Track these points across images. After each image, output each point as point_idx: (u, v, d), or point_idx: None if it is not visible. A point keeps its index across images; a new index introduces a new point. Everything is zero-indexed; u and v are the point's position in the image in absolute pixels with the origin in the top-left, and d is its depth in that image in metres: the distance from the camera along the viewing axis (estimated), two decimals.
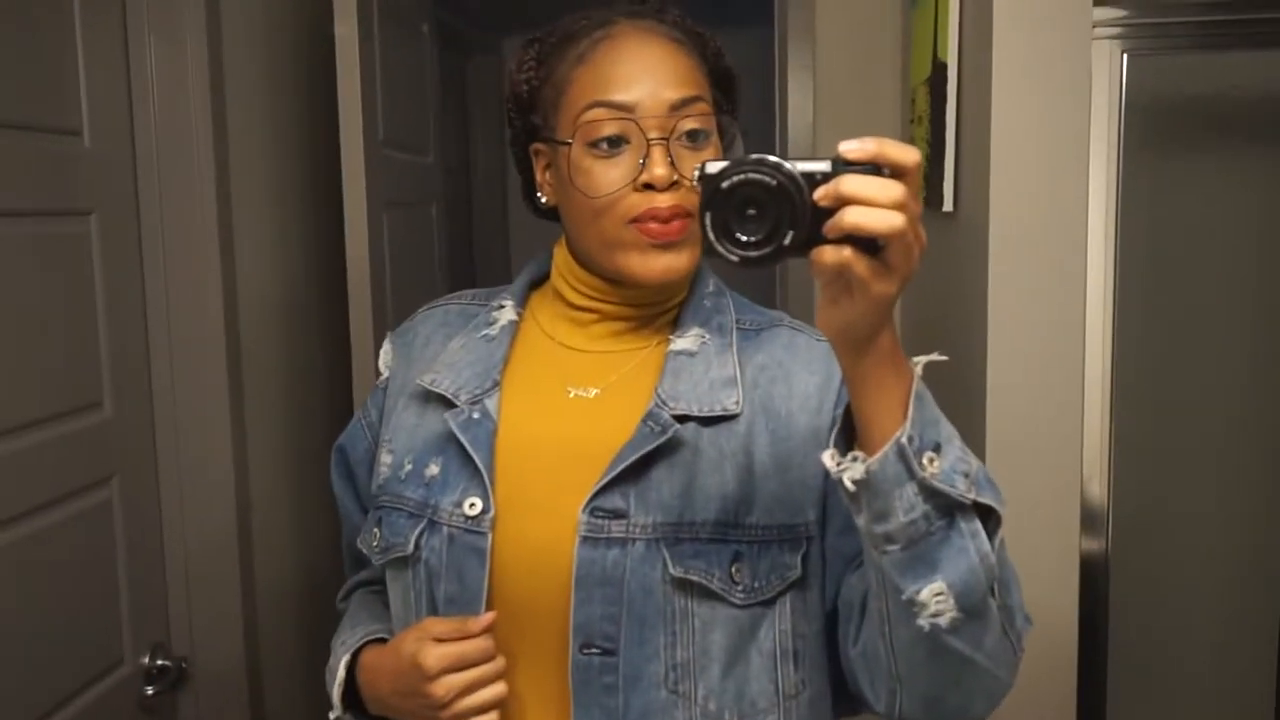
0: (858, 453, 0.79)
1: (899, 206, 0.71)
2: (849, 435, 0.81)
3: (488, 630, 0.95)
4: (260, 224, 2.03)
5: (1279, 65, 1.90)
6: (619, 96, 0.98)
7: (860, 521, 0.80)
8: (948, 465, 0.78)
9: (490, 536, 0.97)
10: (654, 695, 0.95)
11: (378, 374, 1.17)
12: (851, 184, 0.71)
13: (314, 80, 2.24)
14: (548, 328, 1.09)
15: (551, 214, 1.09)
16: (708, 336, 1.04)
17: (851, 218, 0.71)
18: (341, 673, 1.06)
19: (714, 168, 0.74)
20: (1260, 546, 2.07)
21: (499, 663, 0.96)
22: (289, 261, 2.17)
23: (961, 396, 1.58)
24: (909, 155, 0.72)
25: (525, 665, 0.98)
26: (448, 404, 1.04)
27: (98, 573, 1.70)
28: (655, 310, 1.07)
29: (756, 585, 0.96)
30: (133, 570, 1.77)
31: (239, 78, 1.94)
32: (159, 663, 1.82)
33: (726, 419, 0.99)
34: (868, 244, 0.72)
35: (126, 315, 1.77)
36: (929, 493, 0.77)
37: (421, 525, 1.01)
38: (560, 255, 1.10)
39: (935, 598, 0.79)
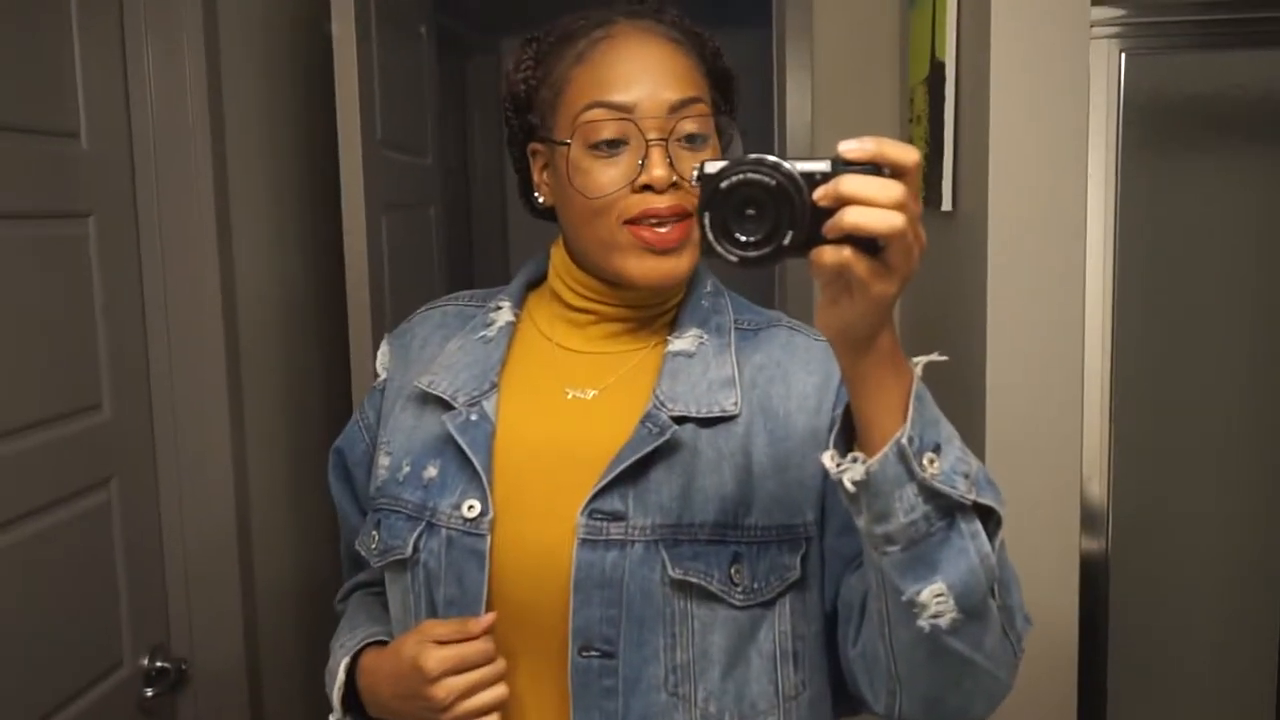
0: (857, 453, 0.78)
1: (899, 206, 0.70)
2: (848, 436, 0.81)
3: (488, 632, 0.95)
4: (258, 225, 2.03)
5: (1278, 64, 1.90)
6: (618, 97, 0.98)
7: (860, 522, 0.80)
8: (948, 466, 0.78)
9: (489, 539, 0.97)
10: (654, 698, 0.95)
11: (375, 375, 1.17)
12: (851, 184, 0.71)
13: (312, 81, 2.23)
14: (545, 329, 1.09)
15: (548, 214, 1.09)
16: (706, 337, 1.04)
17: (851, 218, 0.70)
18: (341, 675, 1.06)
19: (713, 167, 0.74)
20: (1260, 546, 2.07)
21: (500, 665, 0.96)
22: (287, 263, 2.16)
23: (961, 396, 1.58)
24: (909, 155, 0.72)
25: (524, 668, 0.98)
26: (445, 406, 1.04)
27: (97, 574, 1.70)
28: (653, 311, 1.06)
29: (756, 586, 0.96)
30: (132, 572, 1.77)
31: (236, 79, 1.93)
32: (158, 664, 1.82)
33: (725, 420, 0.99)
34: (867, 244, 0.71)
35: (125, 317, 1.77)
36: (929, 493, 0.77)
37: (420, 528, 1.00)
38: (557, 256, 1.09)
39: (935, 599, 0.79)
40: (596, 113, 0.98)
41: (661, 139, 0.97)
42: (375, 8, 2.18)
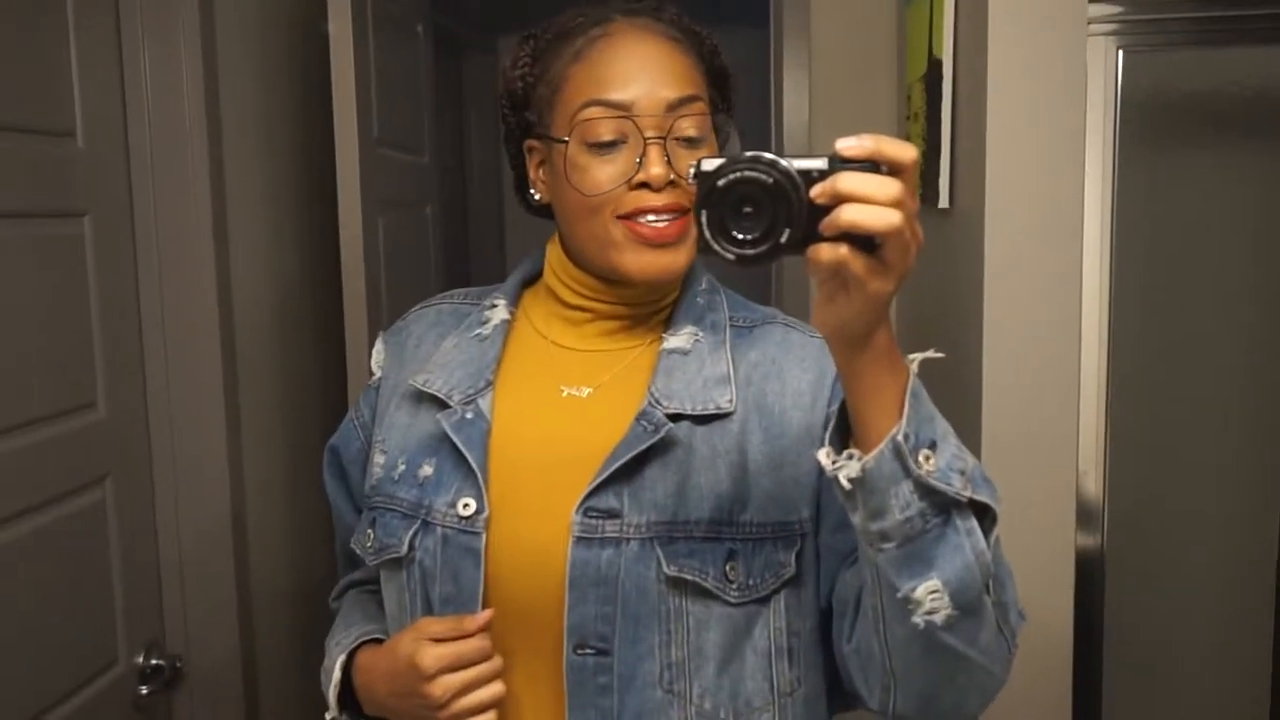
0: (853, 450, 0.78)
1: (896, 204, 0.70)
2: (844, 432, 0.81)
3: (484, 629, 0.95)
4: (254, 224, 2.02)
5: (1275, 61, 1.90)
6: (616, 95, 0.97)
7: (855, 519, 0.80)
8: (943, 462, 0.78)
9: (484, 537, 0.97)
10: (649, 695, 0.95)
11: (370, 374, 1.16)
12: (848, 181, 0.71)
13: (308, 80, 2.23)
14: (541, 326, 1.09)
15: (544, 211, 1.09)
16: (701, 334, 1.04)
17: (848, 215, 0.70)
18: (337, 673, 1.06)
19: (710, 165, 0.73)
20: (1256, 542, 2.07)
21: (496, 662, 0.95)
22: (283, 261, 2.16)
23: (957, 393, 1.58)
24: (906, 152, 0.72)
25: (520, 666, 0.98)
26: (441, 404, 1.04)
27: (92, 572, 1.70)
28: (648, 309, 1.06)
29: (751, 583, 0.96)
30: (127, 570, 1.77)
31: (233, 78, 1.93)
32: (153, 662, 1.82)
33: (720, 417, 0.99)
34: (864, 241, 0.71)
35: (121, 316, 1.77)
36: (925, 490, 0.77)
37: (415, 526, 1.00)
38: (553, 253, 1.09)
39: (930, 595, 0.79)
40: (594, 111, 0.98)
41: (659, 137, 0.97)
42: (372, 7, 2.17)
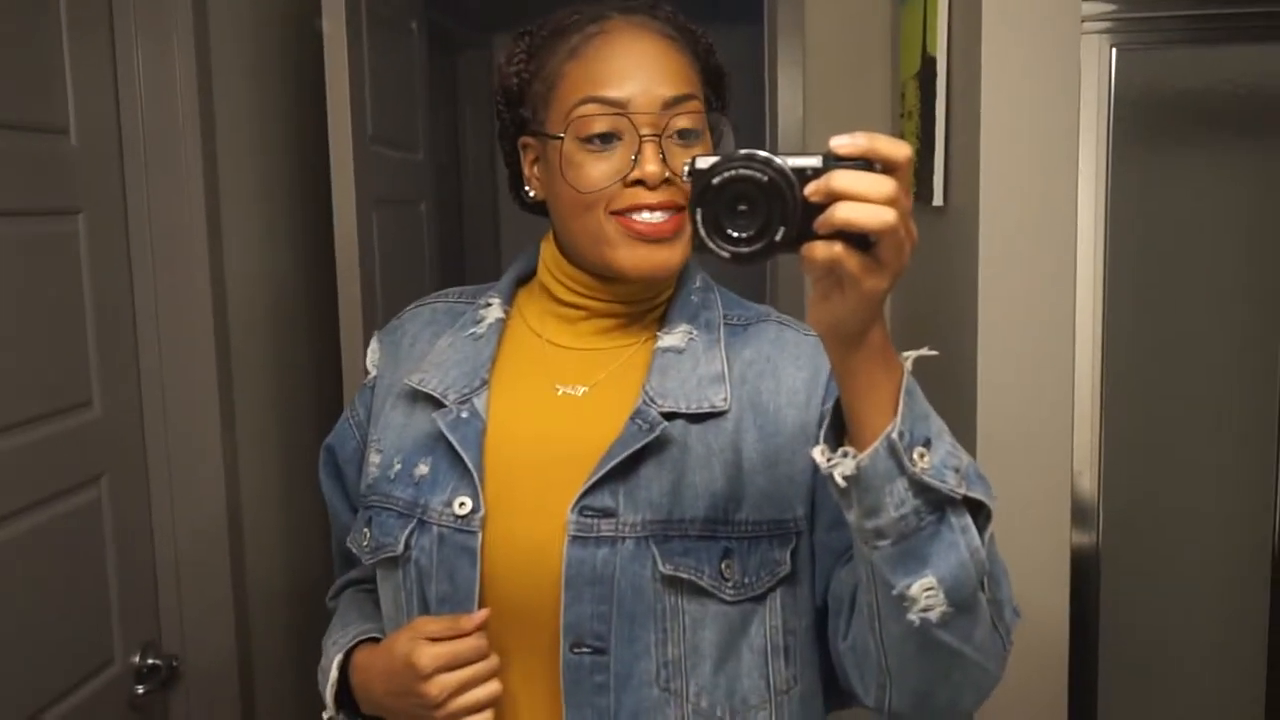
0: (848, 448, 0.78)
1: (890, 202, 0.70)
2: (839, 431, 0.81)
3: (480, 628, 0.95)
4: (248, 222, 2.02)
5: (1269, 59, 1.90)
6: (612, 92, 0.97)
7: (850, 517, 0.80)
8: (938, 460, 0.78)
9: (480, 536, 0.97)
10: (645, 693, 0.95)
11: (365, 372, 1.16)
12: (842, 179, 0.71)
13: (302, 77, 2.23)
14: (535, 325, 1.09)
15: (538, 208, 1.09)
16: (695, 333, 1.04)
17: (843, 213, 0.70)
18: (334, 673, 1.06)
19: (704, 163, 0.73)
20: (1251, 541, 2.07)
21: (493, 661, 0.95)
22: (278, 259, 2.16)
23: (952, 391, 1.58)
24: (900, 150, 0.72)
25: (517, 665, 0.98)
26: (436, 404, 1.04)
27: (87, 572, 1.70)
28: (643, 307, 1.06)
29: (746, 581, 0.96)
30: (123, 569, 1.76)
31: (226, 75, 1.93)
32: (149, 661, 1.82)
33: (714, 415, 0.99)
34: (859, 239, 0.71)
35: (115, 314, 1.76)
36: (919, 488, 0.77)
37: (411, 525, 1.00)
38: (548, 251, 1.09)
39: (925, 592, 0.79)
40: (590, 108, 0.98)
41: (655, 135, 0.97)
42: (366, 4, 2.17)
